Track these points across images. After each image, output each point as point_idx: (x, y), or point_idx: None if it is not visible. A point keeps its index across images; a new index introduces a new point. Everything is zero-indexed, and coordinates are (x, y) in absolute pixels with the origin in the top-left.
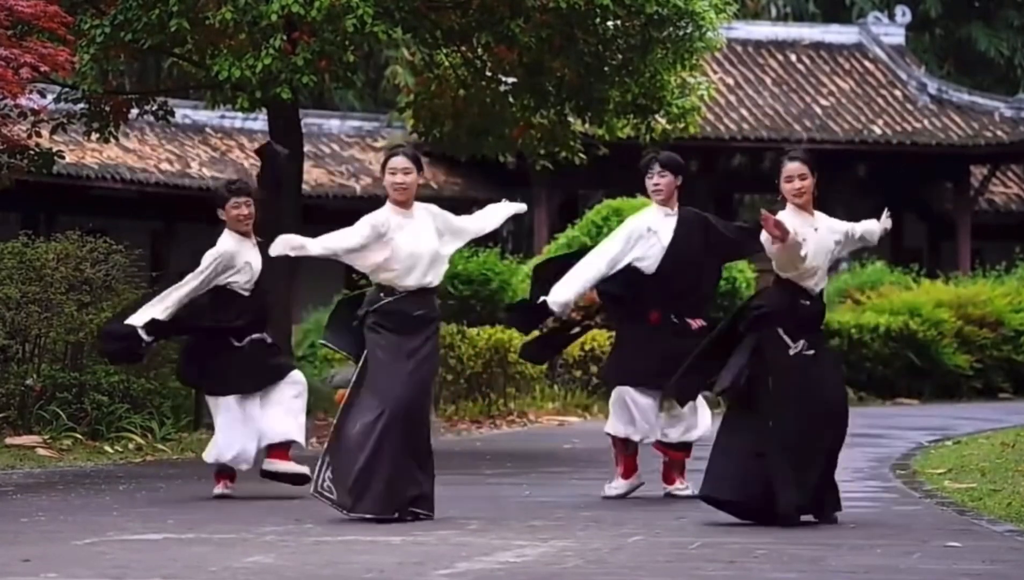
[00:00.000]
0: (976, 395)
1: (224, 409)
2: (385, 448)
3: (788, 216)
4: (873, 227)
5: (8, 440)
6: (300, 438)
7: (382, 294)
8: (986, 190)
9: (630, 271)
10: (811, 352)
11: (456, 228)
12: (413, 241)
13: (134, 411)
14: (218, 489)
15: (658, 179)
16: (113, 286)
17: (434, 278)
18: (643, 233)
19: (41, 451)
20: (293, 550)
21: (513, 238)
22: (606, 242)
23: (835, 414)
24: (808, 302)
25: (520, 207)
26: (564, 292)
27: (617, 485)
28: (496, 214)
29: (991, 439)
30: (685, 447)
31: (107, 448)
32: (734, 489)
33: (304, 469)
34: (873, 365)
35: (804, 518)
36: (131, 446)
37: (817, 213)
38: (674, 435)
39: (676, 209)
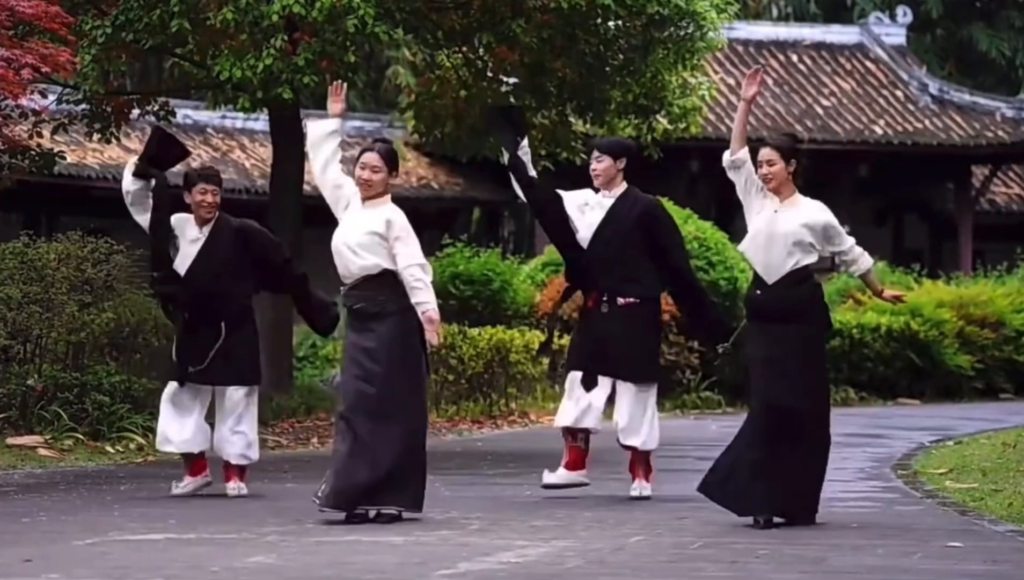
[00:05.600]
0: (977, 395)
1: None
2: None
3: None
4: (862, 263)
5: (9, 440)
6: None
7: (341, 286)
8: (987, 190)
9: (575, 241)
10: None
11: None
12: (345, 230)
13: (135, 411)
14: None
15: (595, 164)
16: (114, 286)
17: (358, 269)
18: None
19: (42, 451)
20: (295, 550)
21: (514, 238)
22: None
23: (785, 415)
24: (759, 292)
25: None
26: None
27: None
28: None
29: (992, 439)
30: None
31: (108, 448)
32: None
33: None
34: (874, 365)
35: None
36: (132, 446)
37: (802, 200)
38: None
39: (615, 192)
